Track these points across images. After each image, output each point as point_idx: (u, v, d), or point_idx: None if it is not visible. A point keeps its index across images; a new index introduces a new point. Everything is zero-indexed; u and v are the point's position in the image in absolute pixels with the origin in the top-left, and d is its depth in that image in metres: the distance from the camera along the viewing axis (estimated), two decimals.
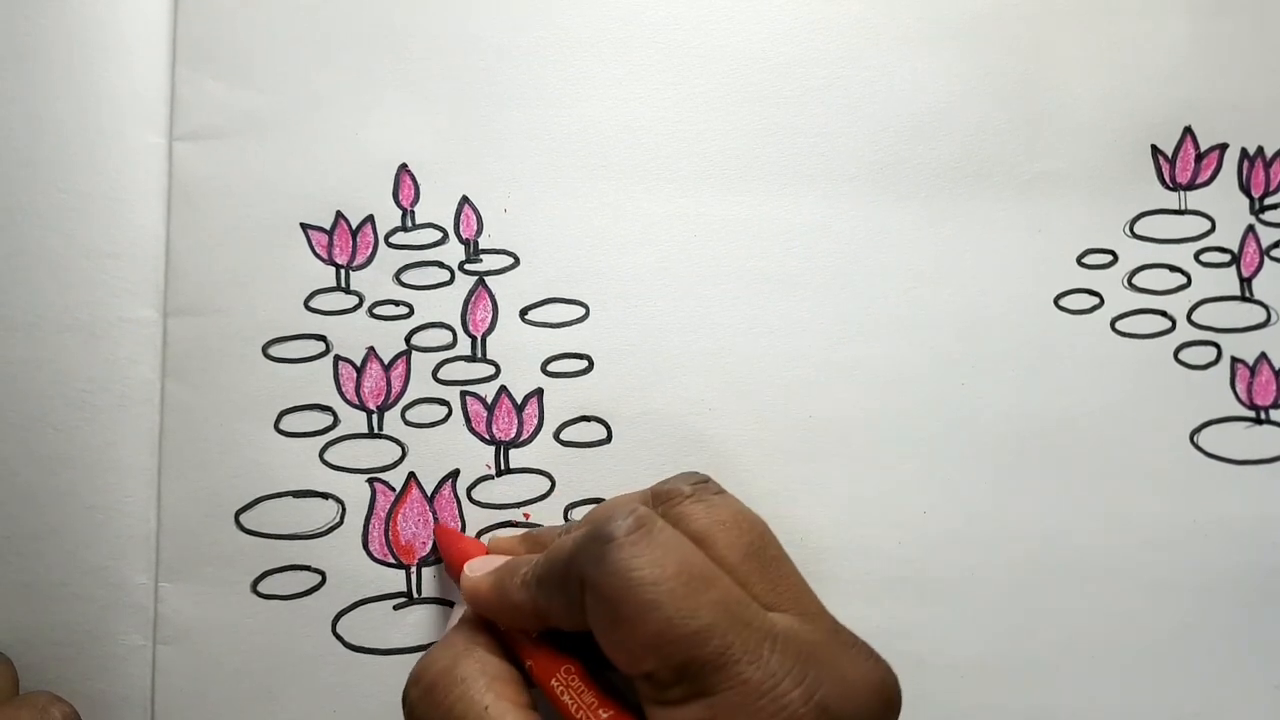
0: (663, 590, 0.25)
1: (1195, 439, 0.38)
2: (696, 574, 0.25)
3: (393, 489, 0.35)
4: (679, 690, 0.25)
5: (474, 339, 0.36)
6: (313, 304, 0.36)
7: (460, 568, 0.32)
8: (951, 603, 0.36)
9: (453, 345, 0.36)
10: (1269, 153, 0.39)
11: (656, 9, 0.38)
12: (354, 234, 0.36)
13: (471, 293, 0.36)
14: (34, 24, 0.35)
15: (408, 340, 0.36)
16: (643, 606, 0.25)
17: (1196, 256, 0.39)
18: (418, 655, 0.34)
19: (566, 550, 0.27)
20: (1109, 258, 0.38)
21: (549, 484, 0.36)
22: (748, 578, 0.27)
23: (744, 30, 0.38)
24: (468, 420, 0.36)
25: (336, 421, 0.35)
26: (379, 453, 0.36)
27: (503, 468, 0.36)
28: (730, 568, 0.27)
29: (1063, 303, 0.38)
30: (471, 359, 0.36)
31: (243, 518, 0.35)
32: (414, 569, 0.35)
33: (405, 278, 0.36)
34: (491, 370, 0.36)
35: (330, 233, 0.36)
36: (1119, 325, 0.38)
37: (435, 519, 0.35)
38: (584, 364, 0.36)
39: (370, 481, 0.35)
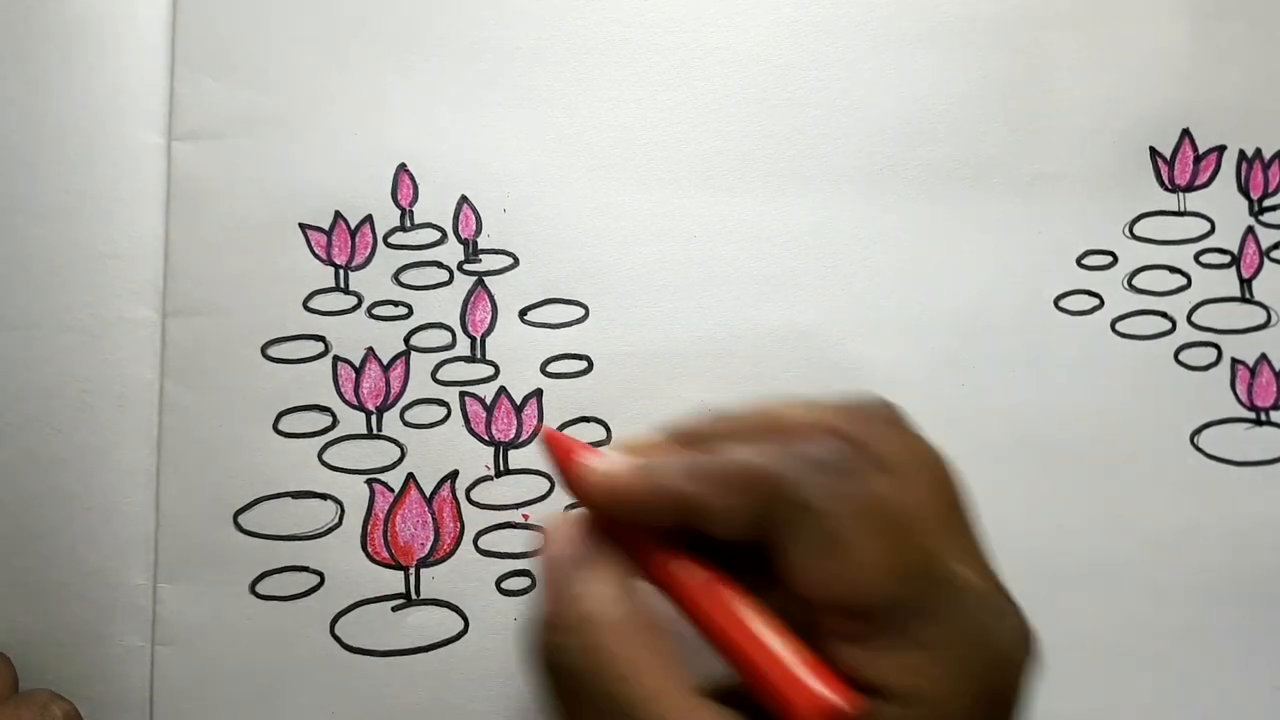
0: (919, 517, 0.25)
1: (1195, 440, 0.38)
2: (943, 508, 0.26)
3: (391, 490, 0.35)
4: (872, 628, 0.24)
5: (473, 339, 0.36)
6: (312, 304, 0.36)
7: (579, 460, 0.27)
8: None
9: (452, 346, 0.36)
10: (1267, 154, 0.39)
11: (656, 11, 0.38)
12: (353, 234, 0.36)
13: (471, 293, 0.36)
14: (33, 24, 0.35)
15: (407, 341, 0.36)
16: (873, 535, 0.24)
17: (1196, 258, 0.39)
18: (417, 657, 0.35)
19: (776, 465, 0.25)
20: (1109, 259, 0.38)
21: (548, 485, 0.36)
22: (953, 526, 0.26)
23: (743, 32, 0.38)
24: (467, 421, 0.36)
25: (335, 422, 0.35)
26: (378, 453, 0.35)
27: (502, 468, 0.36)
28: (940, 512, 0.26)
29: (1063, 304, 0.38)
30: (471, 359, 0.36)
31: (241, 518, 0.35)
32: (412, 570, 0.35)
33: (404, 278, 0.36)
34: (491, 371, 0.36)
35: (329, 233, 0.36)
36: (1119, 326, 0.38)
37: (434, 519, 0.35)
38: (583, 364, 0.36)
39: (369, 482, 0.35)
